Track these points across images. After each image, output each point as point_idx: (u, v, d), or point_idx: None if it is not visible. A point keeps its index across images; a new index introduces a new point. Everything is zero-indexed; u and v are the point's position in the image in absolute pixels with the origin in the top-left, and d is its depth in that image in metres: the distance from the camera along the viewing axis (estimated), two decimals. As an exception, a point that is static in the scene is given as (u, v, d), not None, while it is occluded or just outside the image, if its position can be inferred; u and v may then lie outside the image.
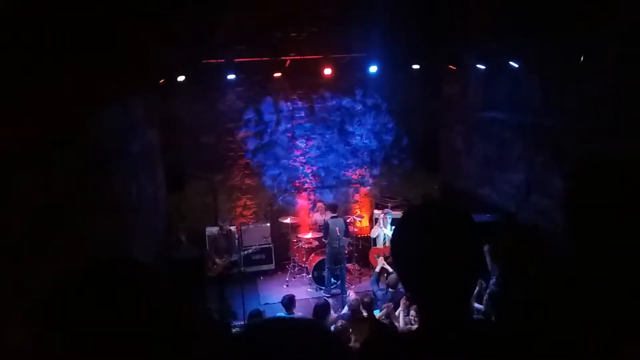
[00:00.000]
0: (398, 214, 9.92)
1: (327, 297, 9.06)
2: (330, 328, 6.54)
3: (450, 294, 1.33)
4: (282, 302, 7.36)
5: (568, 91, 6.75)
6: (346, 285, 9.43)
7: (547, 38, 6.77)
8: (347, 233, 9.32)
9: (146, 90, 7.94)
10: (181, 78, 8.57)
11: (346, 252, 9.59)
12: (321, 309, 7.31)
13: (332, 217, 9.22)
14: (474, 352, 1.28)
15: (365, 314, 6.96)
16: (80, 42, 3.93)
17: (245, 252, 9.42)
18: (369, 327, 6.46)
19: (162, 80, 8.36)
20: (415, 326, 6.62)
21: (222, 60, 8.85)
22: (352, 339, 6.20)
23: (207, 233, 9.74)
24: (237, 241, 9.32)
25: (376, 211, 10.58)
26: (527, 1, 7.11)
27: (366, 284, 9.51)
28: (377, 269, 8.37)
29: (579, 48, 6.33)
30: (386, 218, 9.38)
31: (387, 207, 9.92)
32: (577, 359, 1.51)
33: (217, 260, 8.72)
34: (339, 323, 6.59)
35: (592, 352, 1.51)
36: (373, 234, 9.58)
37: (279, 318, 1.41)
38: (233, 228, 9.59)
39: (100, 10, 4.04)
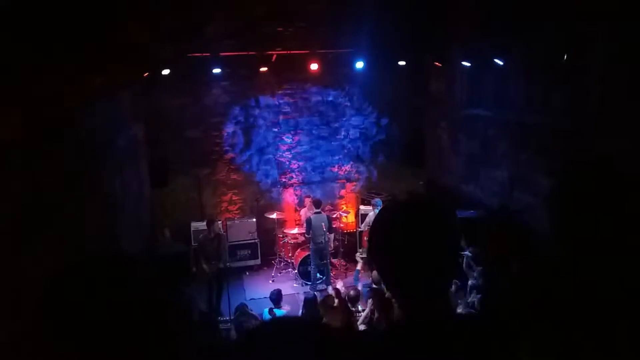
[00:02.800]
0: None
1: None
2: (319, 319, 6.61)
3: (428, 289, 1.34)
4: (270, 297, 7.38)
5: (553, 89, 6.83)
6: (331, 281, 9.47)
7: (532, 36, 6.84)
8: (330, 229, 9.33)
9: (131, 84, 7.85)
10: (166, 72, 8.48)
11: (331, 248, 9.60)
12: (310, 302, 7.37)
13: (316, 213, 9.23)
14: (452, 345, 1.29)
15: (351, 307, 7.02)
16: (66, 36, 3.87)
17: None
18: (338, 314, 6.48)
19: (146, 74, 8.27)
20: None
21: (208, 54, 8.78)
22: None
23: (192, 228, 9.68)
24: (226, 245, 9.02)
25: (362, 207, 10.63)
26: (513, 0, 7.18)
27: (351, 280, 9.58)
28: (359, 267, 8.44)
29: (563, 46, 6.41)
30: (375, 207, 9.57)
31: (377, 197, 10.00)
32: (559, 353, 1.54)
33: (205, 266, 8.45)
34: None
35: (574, 346, 1.53)
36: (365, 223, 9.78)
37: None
38: (221, 230, 9.35)
39: (86, 4, 3.99)
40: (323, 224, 9.06)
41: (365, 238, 9.54)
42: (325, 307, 6.49)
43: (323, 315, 6.25)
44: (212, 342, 6.15)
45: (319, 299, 7.91)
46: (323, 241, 9.11)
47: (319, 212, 9.26)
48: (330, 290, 7.08)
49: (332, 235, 9.43)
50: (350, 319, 6.43)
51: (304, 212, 10.15)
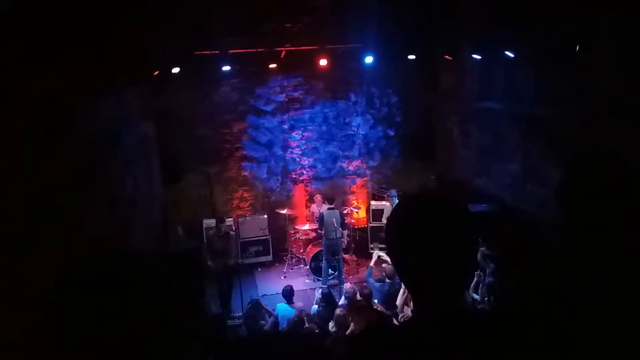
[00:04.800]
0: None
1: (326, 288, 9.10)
2: (335, 315, 6.66)
3: (444, 284, 1.33)
4: (282, 293, 7.41)
5: (563, 81, 6.75)
6: (343, 276, 9.47)
7: (542, 28, 6.76)
8: (343, 225, 9.32)
9: (141, 82, 7.89)
10: (176, 70, 8.52)
11: (344, 244, 9.57)
12: (328, 296, 7.40)
13: (329, 209, 9.22)
14: (468, 341, 1.28)
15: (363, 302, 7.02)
16: (75, 34, 3.90)
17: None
18: (366, 315, 6.54)
19: (156, 72, 8.31)
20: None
21: (217, 52, 8.80)
22: (351, 327, 6.27)
23: (204, 225, 9.73)
24: (236, 243, 9.05)
25: (373, 202, 10.63)
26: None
27: (364, 275, 9.56)
28: (372, 263, 8.45)
29: (574, 38, 6.33)
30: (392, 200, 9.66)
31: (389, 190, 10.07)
32: (571, 349, 1.52)
33: (210, 263, 8.42)
34: (339, 311, 6.66)
35: (586, 343, 1.51)
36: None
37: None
38: (231, 228, 9.36)
39: (95, 2, 4.01)
40: (334, 219, 9.05)
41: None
42: (355, 311, 6.57)
43: (352, 319, 6.32)
44: (221, 341, 6.17)
45: (333, 294, 7.92)
46: (335, 237, 9.09)
47: (332, 208, 9.25)
48: (359, 297, 7.11)
49: (345, 232, 9.39)
50: (378, 318, 6.47)
51: (314, 208, 10.16)
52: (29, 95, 3.13)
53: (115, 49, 5.26)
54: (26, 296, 2.81)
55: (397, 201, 9.44)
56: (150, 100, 8.89)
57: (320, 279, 9.47)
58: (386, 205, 10.28)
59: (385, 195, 10.26)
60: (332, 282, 9.39)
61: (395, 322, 6.40)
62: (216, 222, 8.76)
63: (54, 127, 3.72)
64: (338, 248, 9.24)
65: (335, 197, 9.71)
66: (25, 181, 3.24)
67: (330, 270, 9.46)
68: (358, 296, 7.15)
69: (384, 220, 10.30)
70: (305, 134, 10.69)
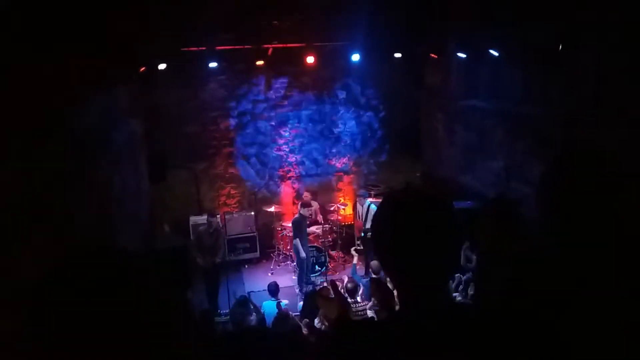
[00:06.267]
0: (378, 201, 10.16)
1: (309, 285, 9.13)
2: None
3: (429, 280, 1.35)
4: (268, 289, 7.43)
5: (549, 79, 6.84)
6: (329, 273, 9.53)
7: (528, 26, 6.83)
8: (294, 232, 9.20)
9: (127, 78, 7.83)
10: (162, 66, 8.46)
11: (303, 253, 9.12)
12: (310, 295, 7.44)
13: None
14: (452, 335, 1.30)
15: (350, 299, 7.06)
16: (60, 31, 3.87)
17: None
18: (336, 307, 6.54)
19: (142, 69, 8.25)
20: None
21: (204, 48, 8.75)
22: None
23: (190, 222, 9.70)
24: (224, 240, 9.02)
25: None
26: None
27: (349, 272, 9.60)
28: (355, 261, 8.52)
29: (559, 36, 6.40)
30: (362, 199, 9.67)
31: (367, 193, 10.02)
32: (554, 343, 1.53)
33: (199, 260, 8.38)
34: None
35: (569, 337, 1.52)
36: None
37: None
38: (219, 224, 9.28)
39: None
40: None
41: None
42: (321, 299, 6.53)
43: (319, 307, 6.29)
44: (209, 339, 6.17)
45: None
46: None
47: (304, 210, 9.23)
48: (325, 283, 7.15)
49: (296, 240, 9.13)
50: (346, 311, 6.48)
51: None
52: (17, 93, 3.11)
53: (102, 45, 5.22)
54: (14, 295, 2.78)
55: (367, 201, 9.49)
56: (137, 97, 8.82)
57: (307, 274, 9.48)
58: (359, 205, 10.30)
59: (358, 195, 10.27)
60: (315, 279, 9.43)
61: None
62: (207, 216, 8.73)
63: (41, 125, 3.69)
64: (296, 252, 9.21)
65: (308, 202, 9.52)
66: (13, 179, 3.20)
67: (317, 267, 9.51)
68: (342, 290, 7.21)
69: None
70: (293, 131, 10.70)
